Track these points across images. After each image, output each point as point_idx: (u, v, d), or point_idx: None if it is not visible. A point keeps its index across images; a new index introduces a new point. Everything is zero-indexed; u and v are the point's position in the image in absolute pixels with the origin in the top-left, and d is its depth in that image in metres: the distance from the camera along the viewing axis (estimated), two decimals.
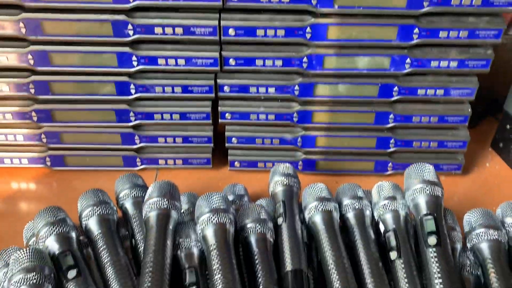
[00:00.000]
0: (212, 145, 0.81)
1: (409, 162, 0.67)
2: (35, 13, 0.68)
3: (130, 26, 0.69)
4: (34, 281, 0.53)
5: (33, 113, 0.77)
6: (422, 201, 0.61)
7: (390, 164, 0.82)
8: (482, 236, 0.61)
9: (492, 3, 0.67)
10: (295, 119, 0.78)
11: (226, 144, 0.81)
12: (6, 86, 0.74)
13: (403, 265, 0.57)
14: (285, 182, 0.67)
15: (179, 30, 0.69)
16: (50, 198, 0.80)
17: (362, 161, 0.83)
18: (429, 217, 0.59)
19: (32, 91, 0.74)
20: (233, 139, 0.80)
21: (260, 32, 0.70)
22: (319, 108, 0.78)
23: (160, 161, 0.82)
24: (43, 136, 0.79)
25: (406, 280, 0.56)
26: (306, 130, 0.80)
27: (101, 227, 0.62)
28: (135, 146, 0.80)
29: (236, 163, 0.83)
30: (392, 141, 0.80)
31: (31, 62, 0.72)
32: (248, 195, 0.74)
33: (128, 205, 0.66)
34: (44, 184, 0.82)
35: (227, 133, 0.80)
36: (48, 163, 0.82)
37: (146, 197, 0.62)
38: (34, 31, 0.69)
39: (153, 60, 0.72)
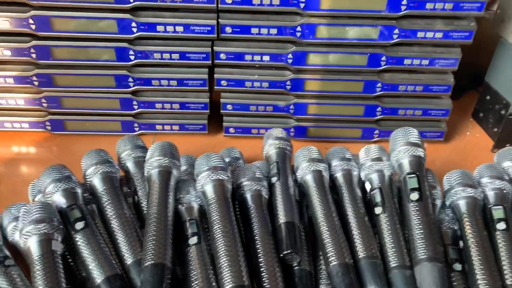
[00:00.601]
0: (208, 111, 0.84)
1: (394, 129, 0.71)
2: None
3: None
4: (45, 231, 0.56)
5: (34, 78, 0.79)
6: (405, 161, 0.65)
7: (376, 131, 0.87)
8: (459, 193, 0.66)
9: None
10: (288, 87, 0.82)
11: (221, 111, 0.84)
12: (7, 51, 0.76)
13: (387, 219, 0.62)
14: (278, 145, 0.71)
15: None
16: (50, 161, 0.83)
17: (351, 128, 0.87)
18: (412, 175, 0.64)
19: (33, 56, 0.76)
20: (228, 105, 0.84)
21: (255, 1, 0.73)
22: (311, 77, 0.81)
23: (157, 127, 0.85)
24: (43, 100, 0.81)
25: (389, 232, 0.61)
26: (298, 97, 0.84)
27: (105, 184, 0.65)
28: (133, 112, 0.83)
29: (231, 129, 0.86)
30: (379, 109, 0.84)
31: (33, 27, 0.74)
32: (244, 158, 0.78)
33: (130, 164, 0.69)
34: (44, 148, 0.85)
35: (222, 100, 0.83)
36: (48, 128, 0.85)
37: (147, 156, 0.65)
38: None
39: (152, 26, 0.74)
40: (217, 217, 0.59)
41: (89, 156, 0.67)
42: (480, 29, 0.85)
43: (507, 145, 0.88)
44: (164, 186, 0.62)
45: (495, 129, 0.89)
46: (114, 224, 0.62)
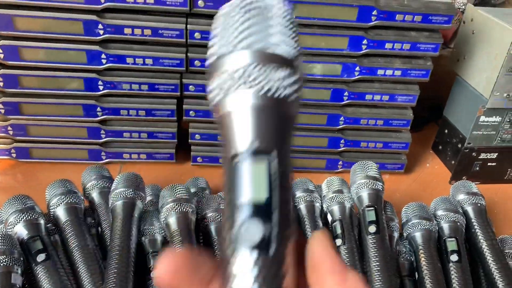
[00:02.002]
0: (176, 141, 0.85)
1: (357, 161, 0.75)
2: (6, 9, 0.70)
3: (100, 26, 0.73)
4: (4, 263, 0.56)
5: (0, 106, 0.79)
6: (364, 194, 0.68)
7: (340, 162, 0.90)
8: (416, 226, 0.69)
9: (431, 20, 0.76)
10: None
11: (190, 140, 0.86)
12: None
13: (346, 251, 0.64)
14: None
15: (147, 32, 0.74)
16: (15, 189, 0.82)
17: (315, 159, 0.90)
18: (371, 208, 0.67)
19: (0, 84, 0.76)
20: (196, 135, 0.85)
21: None
22: None
23: (125, 155, 0.86)
24: (9, 128, 0.81)
25: (348, 264, 0.63)
26: None
27: (69, 215, 0.65)
28: (100, 140, 0.84)
29: (199, 159, 0.88)
30: (342, 141, 0.87)
31: (0, 56, 0.74)
32: (210, 188, 0.79)
33: (95, 194, 0.70)
34: (9, 175, 0.84)
35: (190, 130, 0.85)
36: (14, 155, 0.84)
37: (112, 187, 0.66)
38: (5, 26, 0.71)
39: (121, 58, 0.76)
40: (178, 247, 0.60)
41: (53, 186, 0.67)
42: (440, 65, 0.90)
43: (463, 177, 0.92)
44: (127, 218, 0.63)
45: (453, 162, 0.94)
46: (77, 255, 0.62)
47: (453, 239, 0.68)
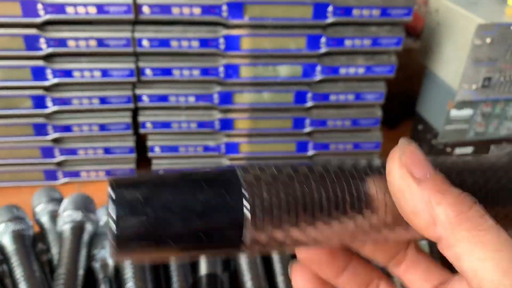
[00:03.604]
0: (135, 155, 0.81)
1: None
2: None
3: (42, 40, 0.69)
4: None
5: None
6: None
7: None
8: None
9: (390, 14, 0.72)
10: (217, 127, 0.80)
11: (149, 154, 0.82)
12: None
13: None
14: None
15: (93, 43, 0.70)
16: None
17: None
18: None
19: None
20: (156, 148, 0.81)
21: (174, 43, 0.71)
22: (239, 116, 0.80)
23: (82, 174, 0.82)
24: None
25: None
26: (229, 137, 0.82)
27: (15, 243, 0.61)
28: (55, 160, 0.80)
29: (161, 172, 0.83)
30: (310, 144, 0.84)
31: None
32: None
33: (45, 219, 0.65)
34: None
35: (149, 143, 0.81)
36: None
37: (60, 210, 0.62)
38: None
39: (68, 73, 0.72)
40: (131, 274, 0.56)
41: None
42: (412, 59, 0.86)
43: None
44: (75, 243, 0.59)
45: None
46: (22, 287, 0.57)
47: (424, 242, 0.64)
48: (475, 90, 0.78)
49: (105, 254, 0.60)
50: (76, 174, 0.82)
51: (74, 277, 0.55)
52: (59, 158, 0.79)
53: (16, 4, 0.67)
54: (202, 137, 0.82)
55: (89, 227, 0.61)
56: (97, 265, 0.59)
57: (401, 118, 1.07)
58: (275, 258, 0.62)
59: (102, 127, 0.77)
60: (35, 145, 0.78)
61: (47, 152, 0.79)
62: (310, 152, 0.85)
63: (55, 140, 0.78)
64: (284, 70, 0.76)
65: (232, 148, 0.83)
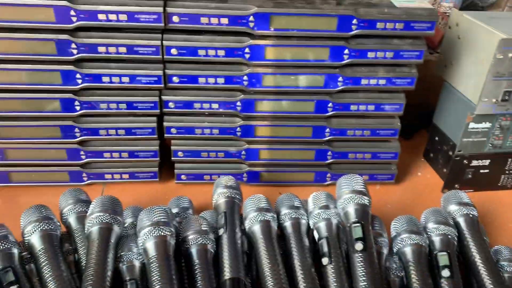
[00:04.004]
0: (158, 159, 0.83)
1: (346, 173, 0.72)
2: None
3: (73, 45, 0.71)
4: None
5: None
6: (351, 210, 0.66)
7: (328, 175, 0.88)
8: (405, 240, 0.66)
9: (413, 27, 0.74)
10: (238, 133, 0.82)
11: (172, 158, 0.83)
12: None
13: (333, 270, 0.62)
14: (227, 194, 0.70)
15: (122, 49, 0.72)
16: None
17: (303, 172, 0.88)
18: (357, 224, 0.64)
19: None
20: (179, 153, 0.83)
21: (201, 52, 0.73)
22: (261, 123, 0.82)
23: (107, 176, 0.84)
24: None
25: (335, 284, 0.60)
26: (250, 143, 0.84)
27: (44, 243, 0.62)
28: (81, 162, 0.82)
29: (183, 176, 0.85)
30: (329, 153, 0.85)
31: None
32: (193, 207, 0.77)
33: (72, 220, 0.67)
34: None
35: (173, 148, 0.82)
36: None
37: (88, 212, 0.63)
38: None
39: (97, 77, 0.74)
40: (157, 277, 0.57)
41: (28, 213, 0.65)
42: (429, 71, 0.87)
43: (456, 185, 0.90)
44: (103, 244, 0.60)
45: (444, 170, 0.91)
46: (51, 286, 0.59)
47: (444, 253, 0.65)
48: (494, 103, 0.79)
49: (132, 256, 0.62)
50: (100, 176, 0.83)
51: (102, 279, 0.57)
52: (84, 160, 0.81)
53: (50, 10, 0.69)
54: (224, 143, 0.84)
55: (116, 229, 0.62)
56: (124, 267, 0.61)
57: (416, 129, 1.08)
58: (296, 264, 0.63)
59: (128, 131, 0.79)
60: (62, 146, 0.80)
61: (73, 154, 0.81)
62: (329, 160, 0.86)
63: (81, 143, 0.80)
64: (306, 80, 0.77)
65: (252, 154, 0.85)
